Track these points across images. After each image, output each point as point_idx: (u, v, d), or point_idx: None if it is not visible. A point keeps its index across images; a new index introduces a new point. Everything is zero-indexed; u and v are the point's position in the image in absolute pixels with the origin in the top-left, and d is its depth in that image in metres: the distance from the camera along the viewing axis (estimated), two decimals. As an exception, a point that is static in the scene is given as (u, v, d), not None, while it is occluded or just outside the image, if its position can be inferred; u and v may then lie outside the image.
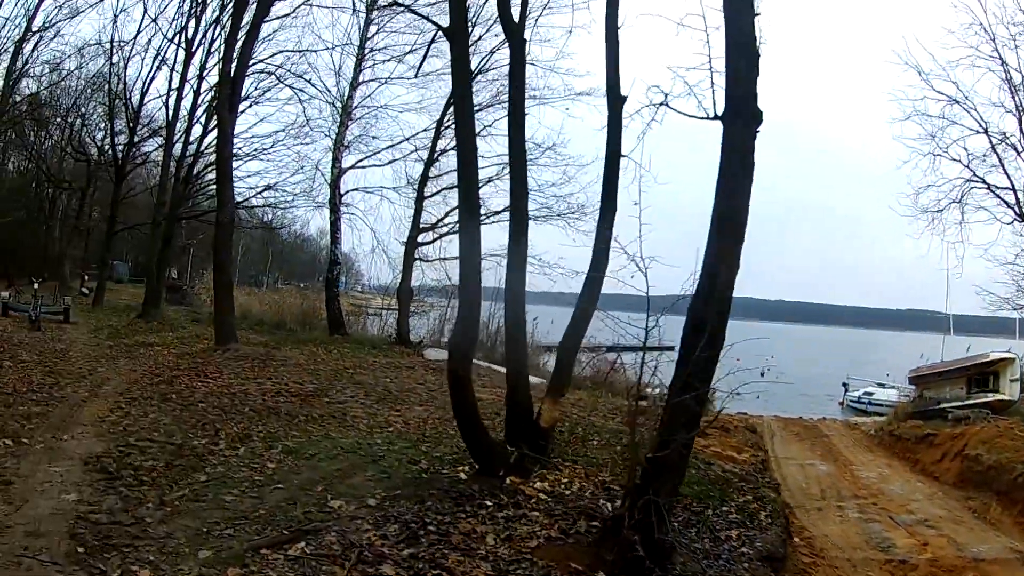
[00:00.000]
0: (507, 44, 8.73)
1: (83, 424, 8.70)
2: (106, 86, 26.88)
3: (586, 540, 5.94)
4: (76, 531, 5.36)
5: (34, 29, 24.09)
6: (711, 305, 5.60)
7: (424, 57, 17.13)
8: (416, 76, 21.25)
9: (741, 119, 5.59)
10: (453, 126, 22.67)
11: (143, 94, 26.63)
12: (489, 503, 6.43)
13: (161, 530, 5.51)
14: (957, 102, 17.36)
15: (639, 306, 6.03)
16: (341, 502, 6.33)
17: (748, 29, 5.56)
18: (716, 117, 5.72)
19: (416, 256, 22.76)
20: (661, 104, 6.27)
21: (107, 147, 28.66)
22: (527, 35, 8.45)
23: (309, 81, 23.10)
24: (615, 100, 8.04)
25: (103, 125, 28.58)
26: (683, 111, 6.00)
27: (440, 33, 7.85)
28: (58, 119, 29.28)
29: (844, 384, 31.73)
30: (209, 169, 25.14)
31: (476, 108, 21.76)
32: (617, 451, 8.42)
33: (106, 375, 12.43)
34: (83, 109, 28.64)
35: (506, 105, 20.47)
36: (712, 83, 5.77)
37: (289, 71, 23.19)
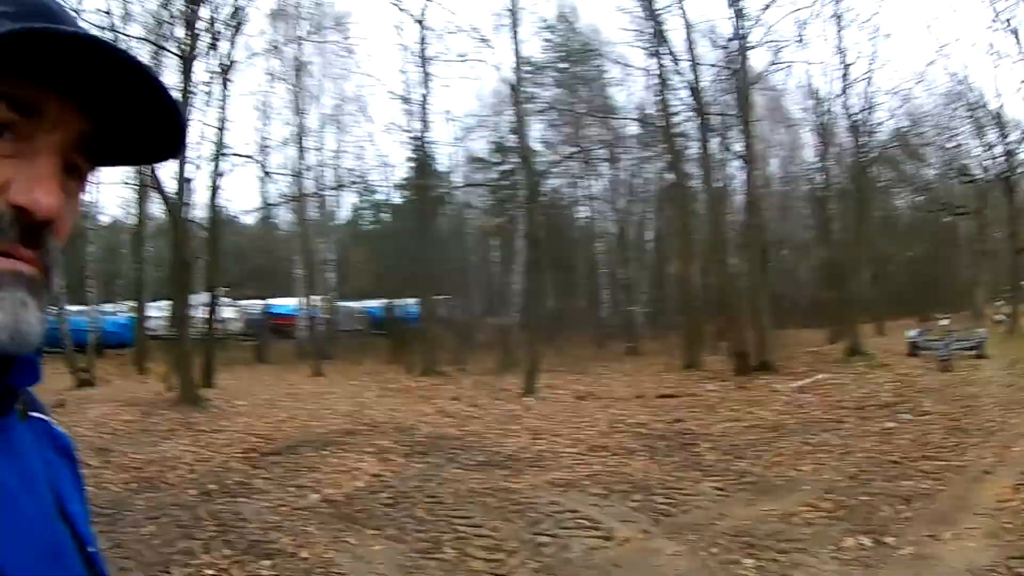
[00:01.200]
0: None
1: (973, 511, 6.05)
2: (963, 100, 24.92)
3: None
4: None
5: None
6: None
7: None
8: None
9: None
10: None
11: (999, 100, 23.70)
12: None
13: None
14: None
15: None
16: None
17: None
18: None
19: None
20: None
21: (987, 163, 26.09)
22: None
23: None
24: None
25: (976, 142, 26.33)
26: None
27: None
28: (927, 145, 28.03)
29: None
30: None
31: None
32: None
33: (1021, 429, 9.16)
34: (952, 129, 26.74)
35: None
36: None
37: None
